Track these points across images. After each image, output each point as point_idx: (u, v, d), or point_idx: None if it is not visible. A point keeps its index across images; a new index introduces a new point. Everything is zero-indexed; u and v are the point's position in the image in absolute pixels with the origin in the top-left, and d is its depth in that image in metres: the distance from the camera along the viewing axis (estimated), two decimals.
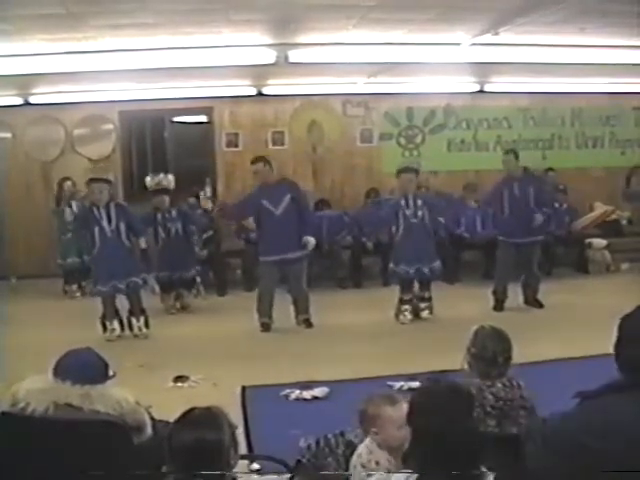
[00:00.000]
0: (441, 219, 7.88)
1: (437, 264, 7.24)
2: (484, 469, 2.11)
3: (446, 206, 8.23)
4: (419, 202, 7.15)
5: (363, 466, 2.79)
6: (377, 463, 2.76)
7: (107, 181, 6.92)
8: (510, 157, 7.59)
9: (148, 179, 7.93)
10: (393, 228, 7.52)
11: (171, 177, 7.90)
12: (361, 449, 2.86)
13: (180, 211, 7.94)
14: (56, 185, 8.87)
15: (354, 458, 2.86)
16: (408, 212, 7.13)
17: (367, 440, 2.87)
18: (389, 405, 2.77)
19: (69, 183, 8.74)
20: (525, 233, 7.43)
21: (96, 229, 6.66)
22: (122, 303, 6.92)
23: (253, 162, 7.06)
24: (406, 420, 2.24)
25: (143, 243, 7.16)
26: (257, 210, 6.95)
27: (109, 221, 6.67)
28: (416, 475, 2.08)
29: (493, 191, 7.83)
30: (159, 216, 7.74)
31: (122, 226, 6.72)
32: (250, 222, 7.12)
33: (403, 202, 7.16)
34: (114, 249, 6.66)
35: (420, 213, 7.13)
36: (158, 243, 7.75)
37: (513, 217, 7.46)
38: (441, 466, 2.02)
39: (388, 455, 2.75)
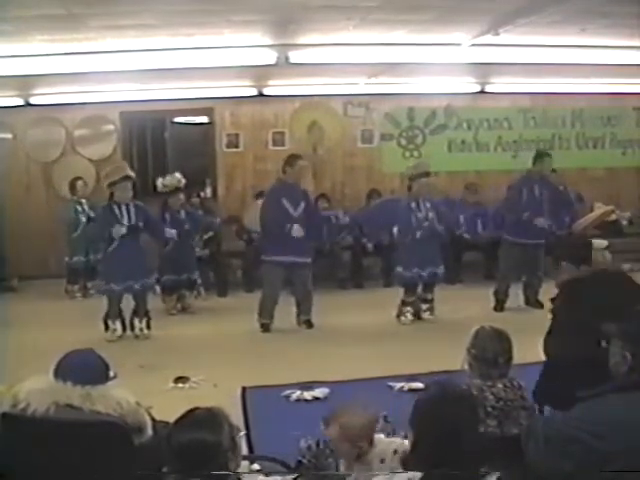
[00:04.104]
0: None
1: (442, 267, 7.23)
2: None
3: (449, 209, 8.21)
4: (428, 205, 7.15)
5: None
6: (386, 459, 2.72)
7: (131, 178, 6.82)
8: (549, 160, 7.57)
9: (160, 180, 7.87)
10: (394, 230, 7.50)
11: (179, 175, 7.88)
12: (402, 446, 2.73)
13: (187, 212, 7.95)
14: (68, 185, 8.85)
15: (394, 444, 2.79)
16: (420, 215, 7.11)
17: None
18: None
19: (80, 182, 8.76)
20: (535, 234, 7.42)
21: (115, 227, 6.60)
22: (125, 303, 6.89)
23: (296, 158, 6.94)
24: (409, 423, 2.24)
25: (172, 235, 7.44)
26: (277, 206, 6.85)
27: (128, 220, 6.65)
28: (419, 475, 2.08)
29: (515, 190, 7.68)
30: (168, 216, 7.71)
31: (140, 226, 6.71)
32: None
33: (414, 205, 7.13)
34: (130, 248, 6.63)
35: (430, 216, 7.13)
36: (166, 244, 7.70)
37: (528, 218, 7.41)
38: (443, 470, 2.02)
39: None
